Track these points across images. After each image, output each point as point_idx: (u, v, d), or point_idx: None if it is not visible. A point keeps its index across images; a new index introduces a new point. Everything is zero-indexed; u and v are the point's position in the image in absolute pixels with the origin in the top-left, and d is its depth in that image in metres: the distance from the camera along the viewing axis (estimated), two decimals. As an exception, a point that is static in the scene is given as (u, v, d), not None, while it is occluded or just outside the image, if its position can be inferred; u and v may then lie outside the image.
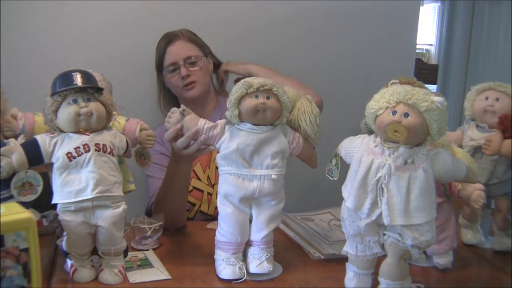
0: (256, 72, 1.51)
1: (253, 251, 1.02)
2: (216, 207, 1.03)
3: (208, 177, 1.48)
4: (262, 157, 0.98)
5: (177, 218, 1.31)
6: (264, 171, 0.98)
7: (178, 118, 1.03)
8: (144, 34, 1.74)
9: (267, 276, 1.01)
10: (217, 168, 1.02)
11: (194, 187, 1.47)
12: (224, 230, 1.01)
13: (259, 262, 1.00)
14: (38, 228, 0.79)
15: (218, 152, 1.02)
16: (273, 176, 0.98)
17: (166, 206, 1.26)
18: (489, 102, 1.19)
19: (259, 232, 1.02)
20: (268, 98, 0.98)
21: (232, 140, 0.99)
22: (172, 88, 1.55)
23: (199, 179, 1.48)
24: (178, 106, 1.06)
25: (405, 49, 2.05)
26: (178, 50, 1.49)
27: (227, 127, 1.01)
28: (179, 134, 1.04)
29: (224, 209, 1.01)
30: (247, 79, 0.99)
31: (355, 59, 1.99)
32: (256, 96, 0.97)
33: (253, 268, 1.00)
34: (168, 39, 1.51)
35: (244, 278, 0.98)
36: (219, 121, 1.02)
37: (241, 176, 0.98)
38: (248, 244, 1.03)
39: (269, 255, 1.02)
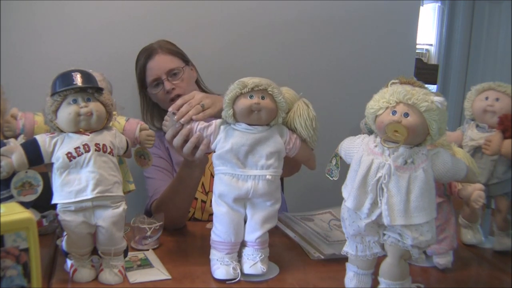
0: None
1: (247, 252, 1.02)
2: (210, 214, 1.03)
3: (203, 184, 1.45)
4: (256, 158, 0.98)
5: (180, 219, 1.32)
6: (259, 171, 0.98)
7: (173, 121, 1.05)
8: (144, 34, 1.74)
9: (262, 277, 1.00)
10: (211, 175, 1.02)
11: None
12: (219, 230, 1.01)
13: (253, 263, 1.00)
14: (38, 228, 0.79)
15: (214, 152, 1.01)
16: (267, 176, 0.97)
17: (170, 208, 1.27)
18: (489, 102, 1.19)
19: (253, 233, 1.01)
20: (263, 98, 0.97)
21: (227, 140, 0.99)
22: (159, 103, 1.51)
23: None
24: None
25: (405, 49, 2.05)
26: (159, 65, 1.44)
27: (222, 127, 1.01)
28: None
29: (219, 208, 1.00)
30: (242, 79, 0.99)
31: (355, 59, 1.99)
32: (251, 96, 0.97)
33: (247, 269, 1.00)
34: (147, 54, 1.46)
35: (238, 279, 0.98)
36: (213, 121, 1.03)
37: (236, 176, 0.98)
38: (243, 244, 1.03)
39: (263, 256, 1.01)
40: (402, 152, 0.85)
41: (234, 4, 1.81)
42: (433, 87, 3.75)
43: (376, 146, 0.88)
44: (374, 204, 0.86)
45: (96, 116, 0.95)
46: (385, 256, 0.90)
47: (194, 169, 1.20)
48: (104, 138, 0.96)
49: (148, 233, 1.14)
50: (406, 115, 0.83)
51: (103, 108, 0.97)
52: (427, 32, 4.02)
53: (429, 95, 0.84)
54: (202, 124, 1.03)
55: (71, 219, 0.92)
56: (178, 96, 1.43)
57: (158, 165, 1.44)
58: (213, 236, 1.02)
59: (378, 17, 1.98)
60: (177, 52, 1.50)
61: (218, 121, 1.02)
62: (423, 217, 0.84)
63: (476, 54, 3.81)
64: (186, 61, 1.52)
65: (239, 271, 0.99)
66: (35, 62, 1.63)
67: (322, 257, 1.13)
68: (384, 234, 0.89)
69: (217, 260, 1.00)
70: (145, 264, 1.06)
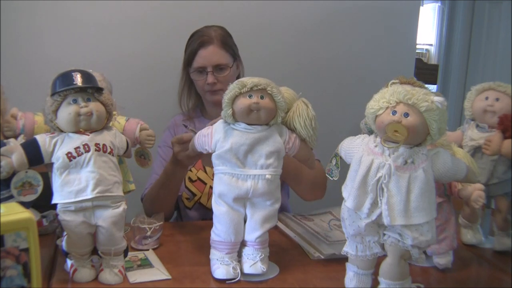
0: None
1: (247, 251, 1.02)
2: None
3: None
4: (256, 157, 0.98)
5: (165, 211, 1.38)
6: (258, 171, 0.98)
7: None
8: (144, 34, 1.74)
9: (262, 277, 1.00)
10: None
11: (198, 178, 1.48)
12: (219, 230, 1.01)
13: (253, 263, 1.00)
14: (38, 228, 0.79)
15: (213, 152, 1.02)
16: (267, 176, 0.97)
17: (156, 200, 1.38)
18: (489, 102, 1.19)
19: (253, 232, 1.01)
20: (262, 97, 0.97)
21: (226, 139, 0.99)
22: (197, 88, 1.53)
23: (205, 172, 1.48)
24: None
25: (405, 49, 2.05)
26: (209, 56, 1.45)
27: (222, 126, 1.01)
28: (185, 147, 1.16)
29: (219, 208, 1.01)
30: (241, 78, 0.99)
31: (355, 59, 1.99)
32: (250, 96, 0.97)
33: (247, 269, 1.00)
34: (202, 40, 1.46)
35: (238, 278, 0.98)
36: (212, 125, 1.04)
37: (235, 176, 0.98)
38: (243, 244, 1.03)
39: (263, 255, 1.01)
40: (402, 152, 0.85)
41: (233, 4, 1.81)
42: (433, 87, 3.75)
43: (376, 146, 0.88)
44: (374, 204, 0.86)
45: (96, 116, 0.95)
46: (385, 256, 0.90)
47: (179, 167, 1.28)
48: (104, 138, 0.96)
49: (148, 233, 1.14)
50: (406, 115, 0.83)
51: (103, 108, 0.97)
52: (427, 32, 4.02)
53: (429, 95, 0.84)
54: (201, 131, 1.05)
55: (71, 219, 0.92)
56: (216, 91, 1.46)
57: (164, 158, 1.47)
58: (213, 236, 1.02)
59: (378, 17, 1.98)
60: (230, 48, 1.50)
61: (216, 124, 1.03)
62: (423, 217, 0.84)
63: (476, 54, 3.81)
64: (235, 57, 1.52)
65: (239, 270, 0.99)
66: (35, 62, 1.63)
67: (322, 257, 1.13)
68: (384, 234, 0.89)
69: (217, 260, 1.00)
70: (145, 264, 1.06)
